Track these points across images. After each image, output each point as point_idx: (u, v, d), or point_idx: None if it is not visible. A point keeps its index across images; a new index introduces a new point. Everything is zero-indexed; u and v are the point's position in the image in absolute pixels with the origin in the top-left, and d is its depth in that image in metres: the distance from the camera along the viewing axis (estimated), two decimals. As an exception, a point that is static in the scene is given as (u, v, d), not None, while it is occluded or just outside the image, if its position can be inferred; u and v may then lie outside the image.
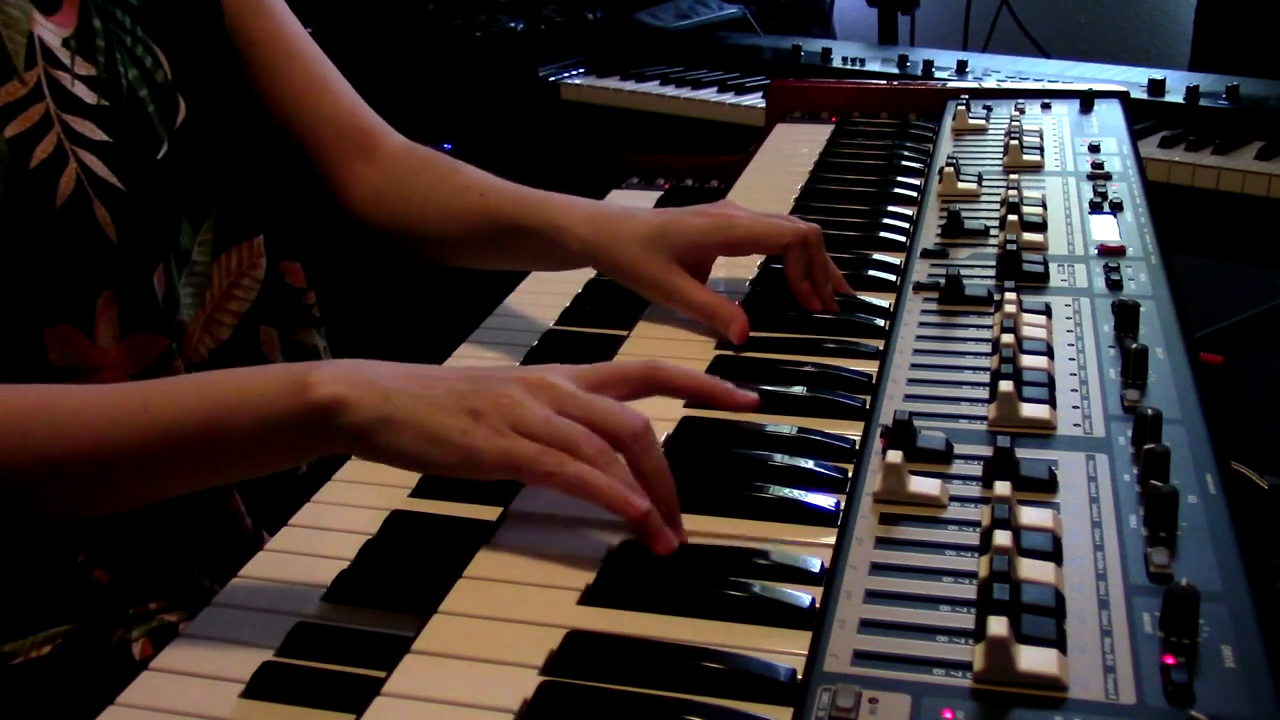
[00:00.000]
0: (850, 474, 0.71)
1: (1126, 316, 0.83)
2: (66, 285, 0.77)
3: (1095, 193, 1.08)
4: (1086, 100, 1.38)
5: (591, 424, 0.66)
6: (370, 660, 0.59)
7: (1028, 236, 0.99)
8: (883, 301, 0.95)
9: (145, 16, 0.87)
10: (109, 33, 0.84)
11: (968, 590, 0.59)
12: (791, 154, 1.37)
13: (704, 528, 0.68)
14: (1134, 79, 1.95)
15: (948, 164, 1.15)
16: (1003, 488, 0.62)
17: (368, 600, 0.65)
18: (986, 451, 0.70)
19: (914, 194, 1.18)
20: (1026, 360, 0.77)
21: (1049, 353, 0.79)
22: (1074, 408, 0.74)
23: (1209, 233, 1.77)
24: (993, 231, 1.03)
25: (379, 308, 2.23)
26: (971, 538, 0.63)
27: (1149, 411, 0.68)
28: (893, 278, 0.99)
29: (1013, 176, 1.15)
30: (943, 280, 0.92)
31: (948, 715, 0.51)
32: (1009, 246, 0.95)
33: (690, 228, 0.93)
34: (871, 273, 1.00)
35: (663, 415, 0.79)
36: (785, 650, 0.58)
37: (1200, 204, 1.70)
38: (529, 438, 0.65)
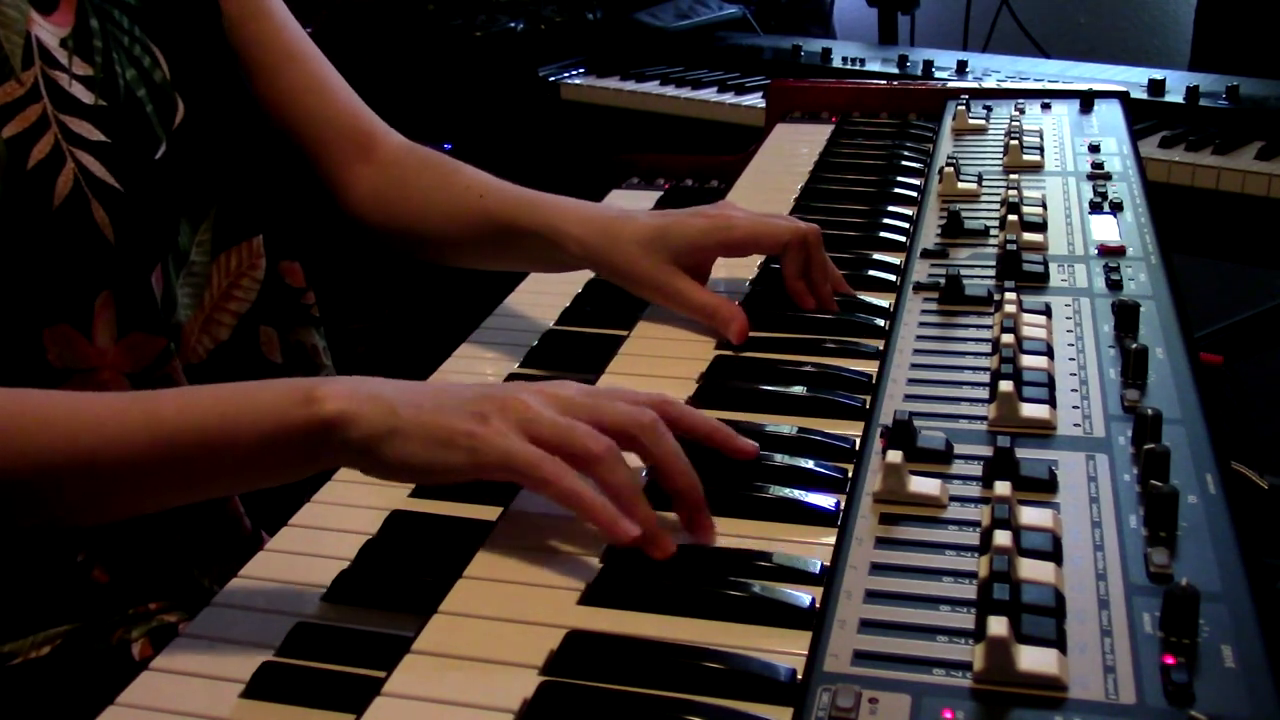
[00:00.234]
0: (850, 474, 0.71)
1: (1126, 316, 0.83)
2: (64, 285, 0.77)
3: (1095, 193, 1.08)
4: (1086, 100, 1.38)
5: (600, 424, 0.66)
6: (370, 660, 0.59)
7: (1028, 236, 0.99)
8: (883, 301, 0.95)
9: (143, 16, 0.87)
10: (106, 33, 0.84)
11: (968, 590, 0.59)
12: (791, 154, 1.37)
13: (704, 528, 0.68)
14: (1134, 79, 1.95)
15: (948, 164, 1.15)
16: (1003, 488, 0.62)
17: (368, 600, 0.65)
18: (986, 451, 0.70)
19: (914, 194, 1.18)
20: (1026, 360, 0.77)
21: (1049, 353, 0.79)
22: (1074, 408, 0.74)
23: (1209, 233, 1.77)
24: (993, 231, 1.03)
25: (379, 308, 2.23)
26: (971, 538, 0.63)
27: (1149, 411, 0.68)
28: (893, 278, 0.99)
29: (1013, 176, 1.15)
30: (943, 280, 0.91)
31: (948, 715, 0.51)
32: (1009, 246, 0.95)
33: (689, 229, 0.93)
34: (871, 273, 1.00)
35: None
36: (785, 650, 0.58)
37: (1200, 204, 1.70)
38: (535, 439, 0.65)
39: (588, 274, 1.07)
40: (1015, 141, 1.20)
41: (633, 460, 0.67)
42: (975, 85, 1.59)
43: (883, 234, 1.09)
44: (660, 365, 0.89)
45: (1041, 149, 1.22)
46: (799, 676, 0.55)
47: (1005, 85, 1.59)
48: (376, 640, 0.61)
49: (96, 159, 0.79)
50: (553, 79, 2.26)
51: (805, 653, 0.56)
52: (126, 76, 0.84)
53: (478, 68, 2.25)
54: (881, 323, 0.91)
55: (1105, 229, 1.01)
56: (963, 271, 0.92)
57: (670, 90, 2.16)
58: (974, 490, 0.67)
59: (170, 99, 0.88)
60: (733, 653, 0.58)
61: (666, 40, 2.34)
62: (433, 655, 0.59)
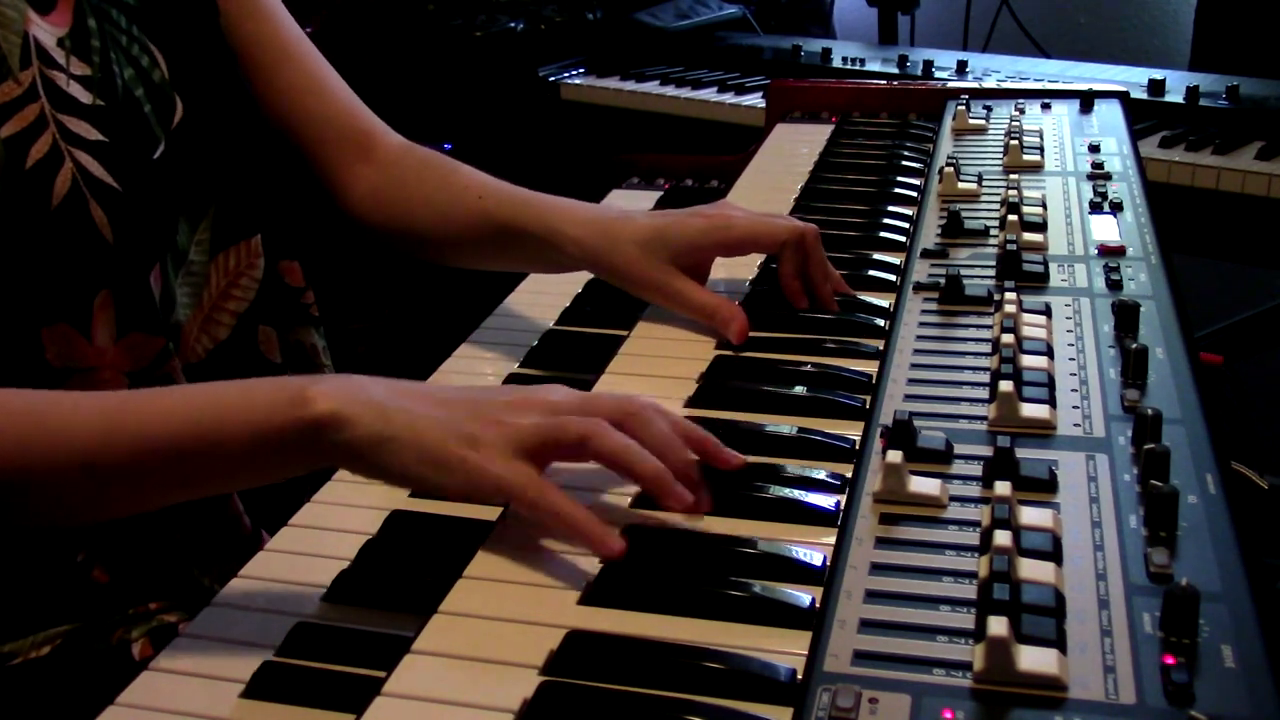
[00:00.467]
0: (850, 474, 0.71)
1: (1126, 316, 0.83)
2: (63, 285, 0.77)
3: (1095, 193, 1.08)
4: (1086, 100, 1.38)
5: (589, 415, 0.67)
6: (370, 660, 0.59)
7: (1028, 236, 0.99)
8: (883, 301, 0.95)
9: (141, 16, 0.87)
10: (104, 32, 0.84)
11: (968, 590, 0.59)
12: (791, 154, 1.37)
13: (705, 527, 0.68)
14: (1134, 79, 1.95)
15: (948, 164, 1.15)
16: (1003, 488, 0.62)
17: (368, 600, 0.65)
18: (986, 451, 0.69)
19: (914, 194, 1.18)
20: (1026, 360, 0.77)
21: (1049, 353, 0.79)
22: (1074, 408, 0.74)
23: (1209, 233, 1.77)
24: (993, 231, 1.03)
25: (379, 308, 2.23)
26: (971, 538, 0.63)
27: (1149, 411, 0.68)
28: (893, 278, 0.99)
29: (1013, 176, 1.15)
30: (943, 280, 0.91)
31: (948, 715, 0.51)
32: (1009, 246, 0.95)
33: (688, 229, 0.93)
34: (871, 273, 1.00)
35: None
36: (785, 650, 0.58)
37: (1200, 204, 1.70)
38: (527, 452, 0.65)
39: (588, 274, 1.07)
40: (1015, 141, 1.20)
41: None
42: (975, 85, 1.59)
43: (883, 234, 1.09)
44: (660, 365, 0.89)
45: (1041, 149, 1.22)
46: (799, 676, 0.55)
47: (1005, 85, 1.59)
48: (376, 640, 0.61)
49: (95, 159, 0.79)
50: (553, 79, 2.26)
51: (805, 653, 0.56)
52: (124, 76, 0.84)
53: (478, 68, 2.25)
54: (881, 323, 0.91)
55: (1105, 229, 1.01)
56: (963, 271, 0.92)
57: (670, 90, 2.16)
58: (974, 490, 0.67)
59: (169, 98, 0.88)
60: (733, 653, 0.58)
61: (666, 40, 2.34)
62: (433, 655, 0.59)
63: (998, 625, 0.52)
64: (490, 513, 0.71)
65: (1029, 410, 0.73)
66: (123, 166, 0.80)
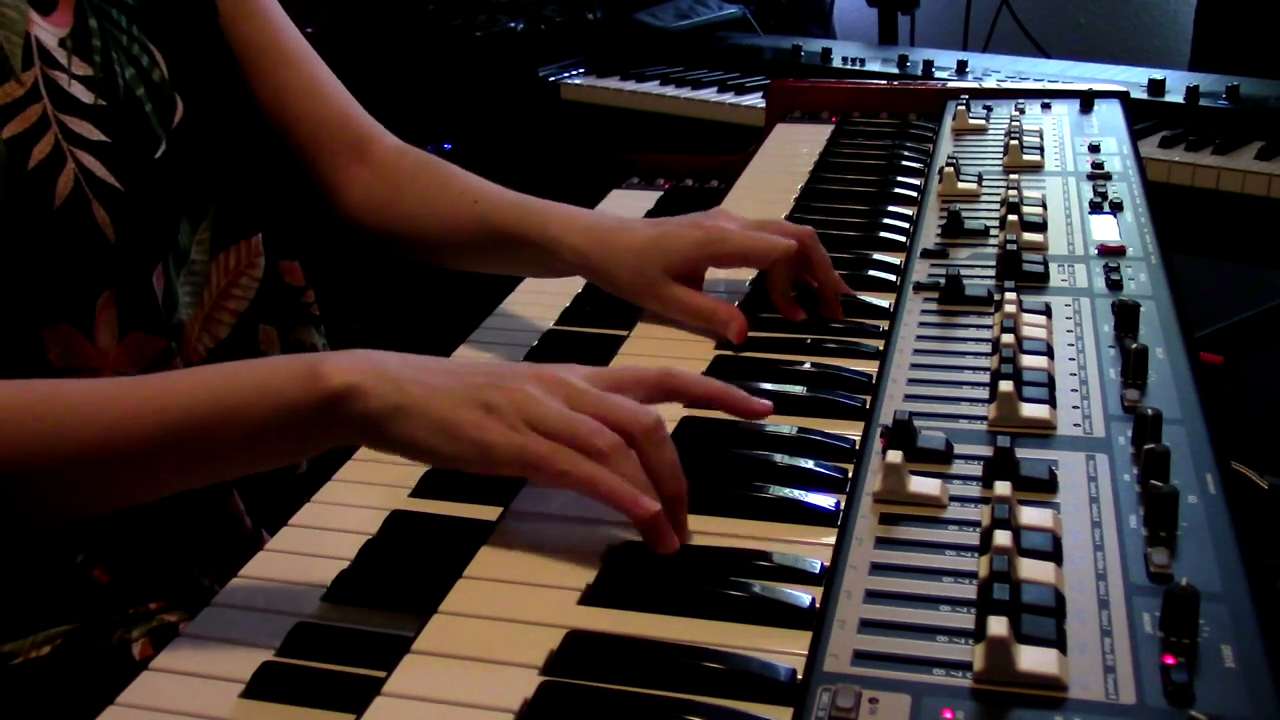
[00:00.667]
0: (850, 474, 0.71)
1: (1126, 316, 0.83)
2: (66, 285, 0.77)
3: (1095, 193, 1.08)
4: (1086, 100, 1.38)
5: (605, 420, 0.66)
6: (370, 660, 0.59)
7: (1028, 236, 0.99)
8: (883, 301, 0.95)
9: (141, 16, 0.87)
10: (105, 32, 0.84)
11: (968, 590, 0.59)
12: (791, 154, 1.37)
13: (704, 528, 0.68)
14: (1134, 79, 1.95)
15: (948, 164, 1.15)
16: (1003, 488, 0.62)
17: (368, 600, 0.65)
18: (986, 451, 0.70)
19: (914, 194, 1.18)
20: (1026, 360, 0.77)
21: (1049, 353, 0.79)
22: (1074, 408, 0.74)
23: (1209, 233, 1.77)
24: (993, 231, 1.03)
25: (379, 307, 2.23)
26: (971, 538, 0.63)
27: (1149, 411, 0.68)
28: (893, 278, 0.99)
29: (1013, 176, 1.15)
30: (943, 280, 0.91)
31: (948, 715, 0.51)
32: (1009, 246, 0.95)
33: (683, 241, 0.93)
34: (871, 273, 1.00)
35: (664, 415, 0.79)
36: (785, 650, 0.58)
37: (1200, 204, 1.70)
38: (543, 433, 0.65)
39: (585, 277, 1.07)
40: (1015, 141, 1.20)
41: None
42: (975, 85, 1.59)
43: (883, 234, 1.09)
44: (660, 364, 0.89)
45: (1041, 149, 1.22)
46: (799, 676, 0.55)
47: (1005, 85, 1.59)
48: (376, 640, 0.61)
49: (97, 159, 0.79)
50: (553, 79, 2.26)
51: (805, 653, 0.56)
52: (126, 76, 0.84)
53: (478, 68, 2.25)
54: (881, 323, 0.91)
55: (1105, 229, 1.01)
56: (963, 271, 0.92)
57: (670, 90, 2.16)
58: (974, 490, 0.67)
59: (169, 98, 0.88)
60: (733, 653, 0.58)
61: (666, 40, 2.34)
62: (433, 655, 0.59)
63: (998, 625, 0.52)
64: (490, 513, 0.71)
65: (1029, 410, 0.73)
66: (124, 166, 0.80)
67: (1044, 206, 1.06)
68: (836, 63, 2.18)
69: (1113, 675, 0.52)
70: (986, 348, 0.83)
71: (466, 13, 2.29)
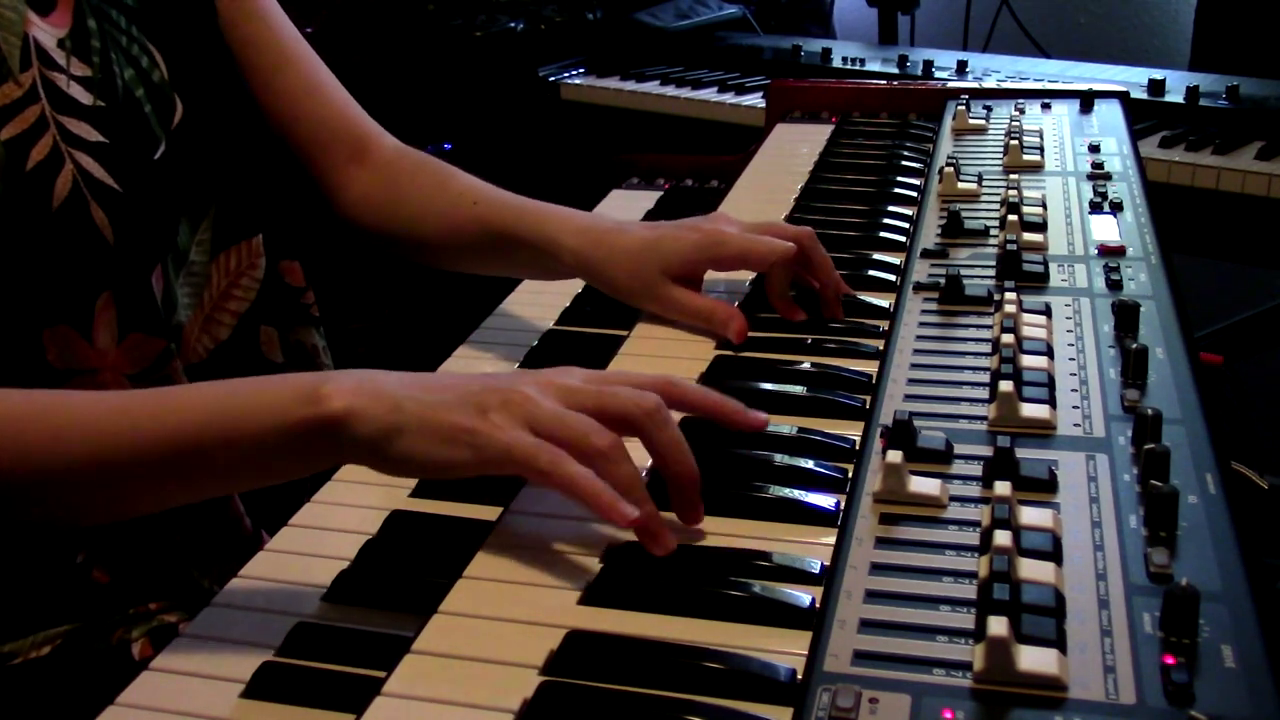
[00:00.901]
0: (850, 474, 0.71)
1: (1126, 316, 0.83)
2: (64, 287, 0.77)
3: (1095, 193, 1.08)
4: (1086, 100, 1.38)
5: (604, 412, 0.66)
6: (370, 660, 0.59)
7: (1028, 236, 0.99)
8: (883, 301, 0.95)
9: (141, 16, 0.87)
10: (104, 33, 0.84)
11: (968, 590, 0.59)
12: (791, 154, 1.37)
13: (704, 527, 0.68)
14: (1134, 79, 1.95)
15: (948, 164, 1.15)
16: (1003, 488, 0.62)
17: (368, 600, 0.65)
18: (986, 451, 0.70)
19: (914, 194, 1.18)
20: (1026, 360, 0.77)
21: (1049, 353, 0.79)
22: (1074, 408, 0.74)
23: (1209, 233, 1.77)
24: (993, 231, 1.03)
25: (379, 308, 2.23)
26: (971, 538, 0.63)
27: (1149, 411, 0.68)
28: (893, 278, 0.99)
29: (1013, 176, 1.15)
30: (943, 280, 0.91)
31: (948, 715, 0.51)
32: (1009, 246, 0.95)
33: (681, 244, 0.93)
34: (871, 273, 1.00)
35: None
36: (785, 650, 0.58)
37: (1200, 204, 1.70)
38: (538, 431, 0.65)
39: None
40: (1015, 141, 1.20)
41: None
42: (975, 85, 1.59)
43: (883, 234, 1.09)
44: (660, 365, 0.89)
45: (1041, 149, 1.22)
46: (799, 676, 0.55)
47: (1005, 85, 1.59)
48: (376, 640, 0.61)
49: (95, 160, 0.79)
50: (553, 79, 2.26)
51: (805, 653, 0.56)
52: (125, 77, 0.84)
53: (478, 68, 2.25)
54: (881, 323, 0.91)
55: (1105, 229, 1.01)
56: (963, 271, 0.92)
57: (670, 90, 2.16)
58: (974, 490, 0.67)
59: (169, 99, 0.88)
60: (733, 653, 0.58)
61: (666, 40, 2.34)
62: (433, 655, 0.59)
63: (998, 625, 0.52)
64: (490, 513, 0.71)
65: (1029, 410, 0.73)
66: (123, 167, 0.80)
67: (1044, 206, 1.06)
68: (836, 63, 2.18)
69: (1113, 675, 0.52)
70: (986, 348, 0.83)
71: (466, 13, 2.29)
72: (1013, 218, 0.99)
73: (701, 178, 1.45)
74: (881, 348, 0.87)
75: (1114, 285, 0.90)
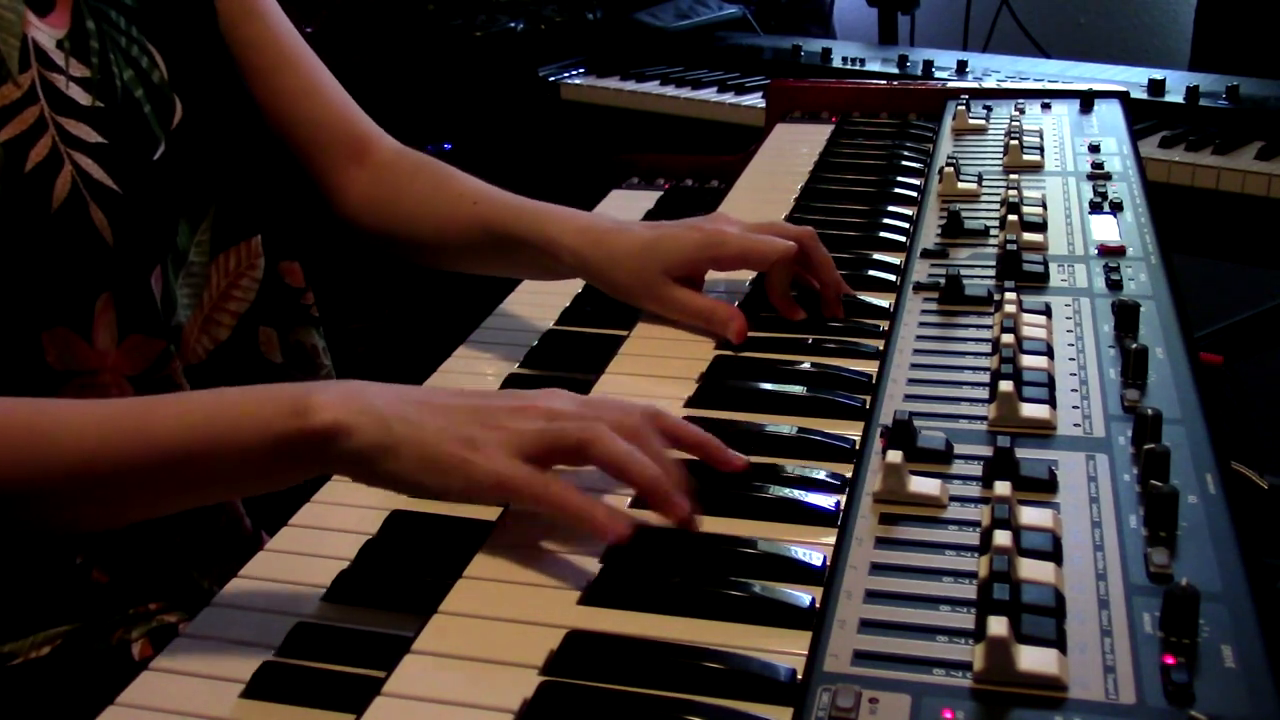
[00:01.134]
0: (850, 474, 0.71)
1: (1126, 316, 0.83)
2: (64, 288, 0.77)
3: (1095, 193, 1.08)
4: (1086, 100, 1.38)
5: (586, 442, 0.67)
6: (370, 660, 0.59)
7: (1028, 236, 0.99)
8: (883, 301, 0.95)
9: (140, 17, 0.87)
10: (103, 33, 0.83)
11: (968, 590, 0.59)
12: (791, 154, 1.37)
13: (705, 527, 0.68)
14: (1134, 79, 1.95)
15: (948, 164, 1.15)
16: (1003, 488, 0.62)
17: (368, 600, 0.65)
18: (986, 451, 0.70)
19: (914, 194, 1.18)
20: (1026, 360, 0.77)
21: (1049, 353, 0.79)
22: (1074, 408, 0.74)
23: (1209, 233, 1.77)
24: (993, 231, 1.03)
25: (379, 308, 2.23)
26: (971, 538, 0.63)
27: (1149, 411, 0.68)
28: (893, 278, 0.99)
29: (1013, 176, 1.15)
30: (943, 280, 0.91)
31: (948, 715, 0.51)
32: (1009, 246, 0.95)
33: (682, 243, 0.93)
34: (871, 273, 1.00)
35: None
36: (785, 650, 0.58)
37: (1200, 204, 1.70)
38: (526, 455, 0.65)
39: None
40: (1015, 141, 1.20)
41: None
42: (975, 85, 1.59)
43: (883, 234, 1.09)
44: (660, 365, 0.89)
45: (1041, 149, 1.22)
46: (799, 676, 0.55)
47: (1005, 85, 1.59)
48: (376, 640, 0.61)
49: (94, 161, 0.79)
50: (553, 79, 2.26)
51: (805, 653, 0.56)
52: (124, 77, 0.84)
53: (478, 68, 2.25)
54: (881, 323, 0.91)
55: (1105, 229, 1.01)
56: (963, 271, 0.92)
57: (670, 90, 2.16)
58: (974, 490, 0.67)
59: (168, 99, 0.88)
60: (733, 653, 0.58)
61: (666, 40, 2.34)
62: (433, 655, 0.59)
63: (998, 625, 0.52)
64: (490, 513, 0.71)
65: (1029, 410, 0.73)
66: (122, 168, 0.80)
67: (1044, 206, 1.06)
68: (836, 63, 2.18)
69: (1113, 675, 0.52)
70: (986, 348, 0.83)
71: (466, 13, 2.29)
72: (1013, 218, 0.99)
73: (701, 178, 1.45)
74: (881, 348, 0.87)
75: (1114, 285, 0.90)
